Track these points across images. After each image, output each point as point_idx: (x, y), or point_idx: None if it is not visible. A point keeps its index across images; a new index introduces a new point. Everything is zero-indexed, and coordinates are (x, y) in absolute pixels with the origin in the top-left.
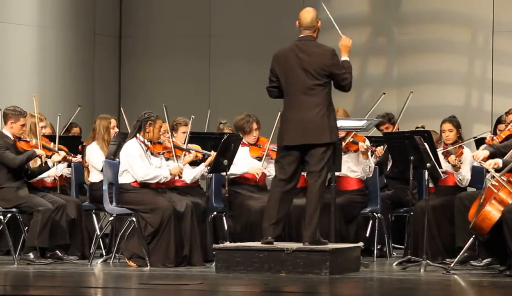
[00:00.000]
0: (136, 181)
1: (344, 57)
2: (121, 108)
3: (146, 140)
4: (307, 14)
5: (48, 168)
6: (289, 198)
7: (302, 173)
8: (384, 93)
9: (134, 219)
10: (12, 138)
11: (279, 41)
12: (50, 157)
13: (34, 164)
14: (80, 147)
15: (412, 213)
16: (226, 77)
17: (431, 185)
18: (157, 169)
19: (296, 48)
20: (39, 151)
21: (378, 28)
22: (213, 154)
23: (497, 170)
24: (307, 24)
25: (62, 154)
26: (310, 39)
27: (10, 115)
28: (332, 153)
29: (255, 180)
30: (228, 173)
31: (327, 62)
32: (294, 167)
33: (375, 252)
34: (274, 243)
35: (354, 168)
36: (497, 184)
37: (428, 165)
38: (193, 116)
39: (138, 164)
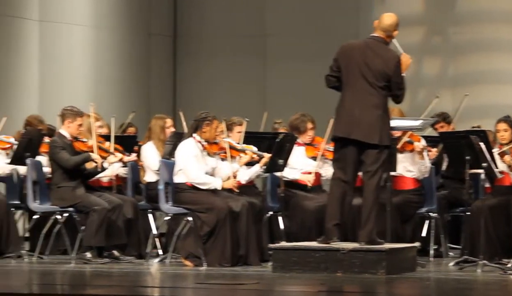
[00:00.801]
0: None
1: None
2: (180, 113)
3: (202, 140)
4: (389, 18)
5: (104, 169)
6: (349, 198)
7: (359, 173)
8: (437, 97)
9: (190, 218)
10: (69, 138)
11: (335, 40)
12: (106, 158)
13: (90, 165)
14: (136, 147)
15: (468, 213)
16: (281, 77)
17: (487, 185)
18: (208, 177)
19: (365, 45)
20: (95, 155)
21: (433, 28)
22: (267, 155)
23: None
24: (384, 26)
25: (119, 155)
26: (381, 41)
27: (68, 115)
28: (388, 154)
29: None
30: (281, 175)
31: (391, 67)
32: (353, 167)
33: (431, 252)
34: (331, 243)
35: (410, 167)
36: None
37: (484, 164)
38: (248, 119)
39: (192, 165)
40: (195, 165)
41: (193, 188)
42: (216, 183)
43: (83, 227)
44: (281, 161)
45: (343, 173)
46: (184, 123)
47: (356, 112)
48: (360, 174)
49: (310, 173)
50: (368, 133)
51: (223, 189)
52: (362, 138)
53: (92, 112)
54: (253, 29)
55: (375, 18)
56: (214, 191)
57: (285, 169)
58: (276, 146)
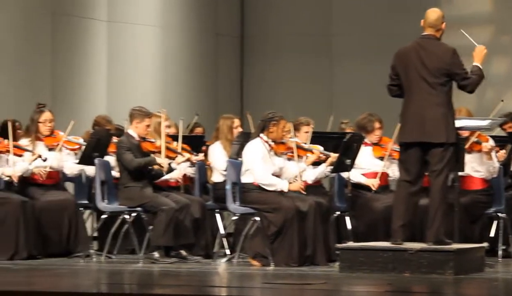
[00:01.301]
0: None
1: (476, 63)
2: (248, 116)
3: (269, 140)
4: (433, 13)
5: (172, 170)
6: (415, 199)
7: (426, 173)
8: (502, 100)
9: (257, 218)
10: (137, 138)
11: (401, 39)
12: (173, 158)
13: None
14: (203, 147)
15: None
16: (348, 77)
17: None
18: (275, 178)
19: (417, 46)
20: (161, 160)
21: (501, 27)
22: (333, 155)
23: None
24: (431, 22)
25: (186, 155)
26: (432, 38)
27: (136, 115)
28: (453, 152)
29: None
30: (347, 177)
31: (447, 61)
32: (418, 167)
33: (499, 252)
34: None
35: (478, 167)
36: None
37: None
38: (313, 123)
39: (259, 165)
40: (262, 166)
41: (260, 187)
42: (282, 185)
43: (151, 227)
44: (348, 161)
45: (408, 174)
46: (252, 126)
47: (419, 115)
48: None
49: (375, 175)
50: (433, 133)
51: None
52: (427, 139)
53: (161, 113)
54: (319, 29)
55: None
56: (281, 191)
57: (352, 169)
58: (343, 146)
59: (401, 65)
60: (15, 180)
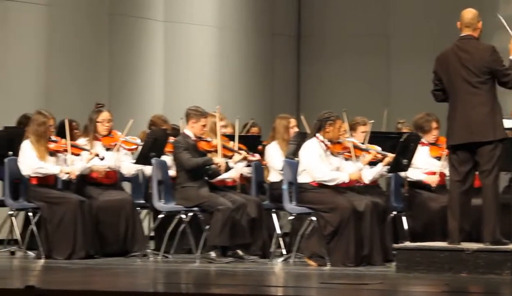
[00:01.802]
0: (315, 181)
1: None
2: (302, 117)
3: (326, 140)
4: (468, 13)
5: (229, 168)
6: (467, 199)
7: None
8: None
9: (314, 218)
10: (193, 138)
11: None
12: (230, 157)
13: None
14: (260, 147)
15: None
16: (405, 77)
17: None
18: (335, 172)
19: (456, 48)
20: (217, 159)
21: None
22: (390, 154)
23: None
24: (467, 22)
25: (243, 153)
26: (469, 38)
27: (192, 115)
28: (502, 149)
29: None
30: (405, 175)
31: (486, 59)
32: (467, 167)
33: None
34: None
35: None
36: None
37: None
38: (372, 121)
39: (317, 164)
40: (319, 164)
41: (317, 187)
42: (343, 177)
43: (207, 227)
44: (405, 161)
45: (457, 173)
46: (306, 127)
47: (465, 116)
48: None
49: (434, 173)
50: (480, 132)
51: (351, 181)
52: (475, 139)
53: (217, 113)
54: (376, 29)
55: (499, 18)
56: (338, 191)
57: (409, 168)
58: (400, 146)
59: (442, 69)
60: (73, 176)
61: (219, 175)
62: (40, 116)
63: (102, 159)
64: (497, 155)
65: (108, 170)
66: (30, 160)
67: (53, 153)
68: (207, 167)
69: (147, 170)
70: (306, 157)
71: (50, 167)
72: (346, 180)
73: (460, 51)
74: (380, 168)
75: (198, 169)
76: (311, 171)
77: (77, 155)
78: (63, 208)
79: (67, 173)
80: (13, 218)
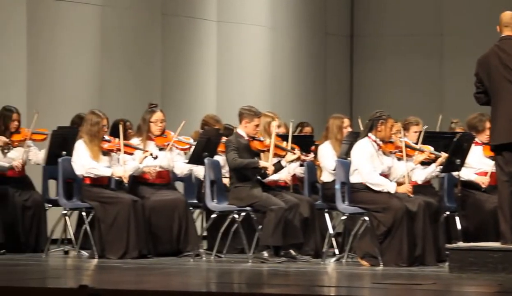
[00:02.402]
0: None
1: None
2: (359, 119)
3: (377, 139)
4: (506, 14)
5: (281, 167)
6: None
7: None
8: None
9: (366, 218)
10: (246, 138)
11: None
12: (283, 157)
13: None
14: (313, 147)
15: None
16: (459, 77)
17: None
18: (383, 179)
19: (496, 48)
20: (265, 163)
21: None
22: (443, 154)
23: None
24: (506, 22)
25: (297, 153)
26: (509, 38)
27: (245, 115)
28: None
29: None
30: (457, 174)
31: None
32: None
33: None
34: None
35: None
36: None
37: None
38: (426, 127)
39: (366, 165)
40: (369, 165)
41: (370, 187)
42: (389, 187)
43: (260, 226)
44: (458, 161)
45: (505, 174)
46: (360, 126)
47: (508, 115)
48: None
49: (486, 174)
50: None
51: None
52: None
53: (271, 113)
54: (430, 28)
55: None
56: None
57: (462, 168)
58: (453, 146)
59: (483, 72)
60: (125, 180)
61: (266, 176)
62: (93, 116)
63: (155, 158)
64: None
65: (159, 170)
66: (83, 160)
67: (106, 152)
68: (258, 168)
69: (200, 169)
70: (357, 157)
71: (102, 169)
72: (392, 191)
73: (500, 51)
74: (433, 168)
75: (242, 170)
76: (359, 171)
77: (131, 154)
78: (116, 208)
79: (119, 177)
80: (66, 218)
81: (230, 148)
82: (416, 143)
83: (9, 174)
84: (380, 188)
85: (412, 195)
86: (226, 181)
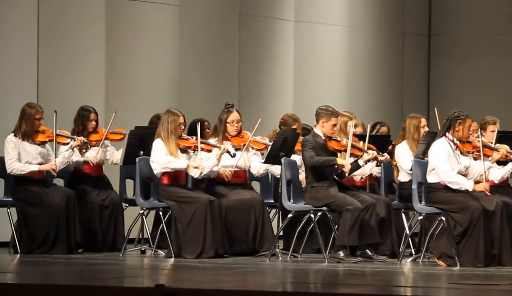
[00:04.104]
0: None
1: None
2: (435, 109)
3: (455, 139)
4: None
5: (359, 167)
6: None
7: None
8: None
9: (443, 218)
10: (323, 137)
11: None
12: (360, 156)
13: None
14: (390, 146)
15: None
16: None
17: None
18: (461, 177)
19: None
20: (342, 161)
21: None
22: None
23: None
24: None
25: (373, 153)
26: None
27: (322, 115)
28: None
29: None
30: None
31: None
32: None
33: None
34: None
35: None
36: None
37: None
38: (499, 123)
39: (443, 163)
40: (446, 164)
41: (447, 187)
42: (467, 184)
43: (336, 226)
44: None
45: None
46: (438, 120)
47: None
48: None
49: None
50: None
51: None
52: None
53: (348, 113)
54: (508, 28)
55: None
56: (467, 191)
57: None
58: None
59: None
60: (202, 170)
61: (344, 176)
62: (170, 114)
63: (233, 156)
64: None
65: (236, 170)
66: (160, 157)
67: (184, 150)
68: (337, 166)
69: (276, 169)
70: (434, 156)
71: (177, 161)
72: (470, 189)
73: None
74: (510, 167)
75: (320, 168)
76: (437, 170)
77: (208, 151)
78: (193, 207)
79: (196, 168)
80: (143, 217)
81: (307, 146)
82: (493, 142)
83: (87, 173)
84: (458, 186)
85: (489, 193)
86: (301, 177)
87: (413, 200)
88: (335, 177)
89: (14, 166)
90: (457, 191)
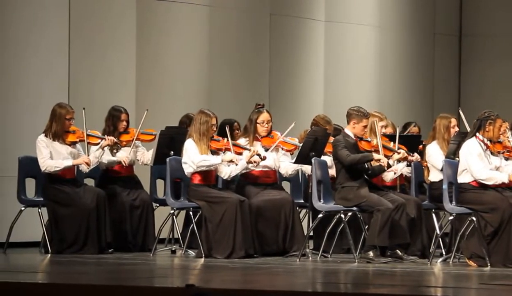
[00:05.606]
0: (475, 180)
1: None
2: (459, 111)
3: (485, 139)
4: None
5: (389, 166)
6: None
7: None
8: None
9: (474, 218)
10: (354, 138)
11: None
12: (390, 157)
13: (374, 162)
14: (420, 146)
15: None
16: None
17: None
18: (493, 172)
19: None
20: (378, 156)
21: None
22: None
23: None
24: None
25: (403, 153)
26: None
27: (354, 115)
28: None
29: None
30: None
31: None
32: None
33: None
34: None
35: None
36: None
37: None
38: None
39: (475, 162)
40: (478, 162)
41: (477, 187)
42: (502, 177)
43: (366, 226)
44: None
45: None
46: (464, 121)
47: None
48: None
49: None
50: None
51: (510, 182)
52: None
53: (378, 114)
54: None
55: None
56: (498, 191)
57: None
58: None
59: None
60: (236, 162)
61: (384, 171)
62: (203, 115)
63: (263, 159)
64: None
65: (265, 169)
66: (194, 156)
67: (215, 151)
68: (367, 166)
69: (306, 169)
70: (465, 156)
71: (212, 157)
72: (506, 181)
73: None
74: None
75: (357, 165)
76: (469, 169)
77: (239, 154)
78: (223, 207)
79: (231, 161)
80: (174, 217)
81: (340, 146)
82: None
83: (117, 173)
84: (493, 181)
85: None
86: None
87: (443, 200)
88: (365, 176)
89: (47, 164)
90: (487, 191)
